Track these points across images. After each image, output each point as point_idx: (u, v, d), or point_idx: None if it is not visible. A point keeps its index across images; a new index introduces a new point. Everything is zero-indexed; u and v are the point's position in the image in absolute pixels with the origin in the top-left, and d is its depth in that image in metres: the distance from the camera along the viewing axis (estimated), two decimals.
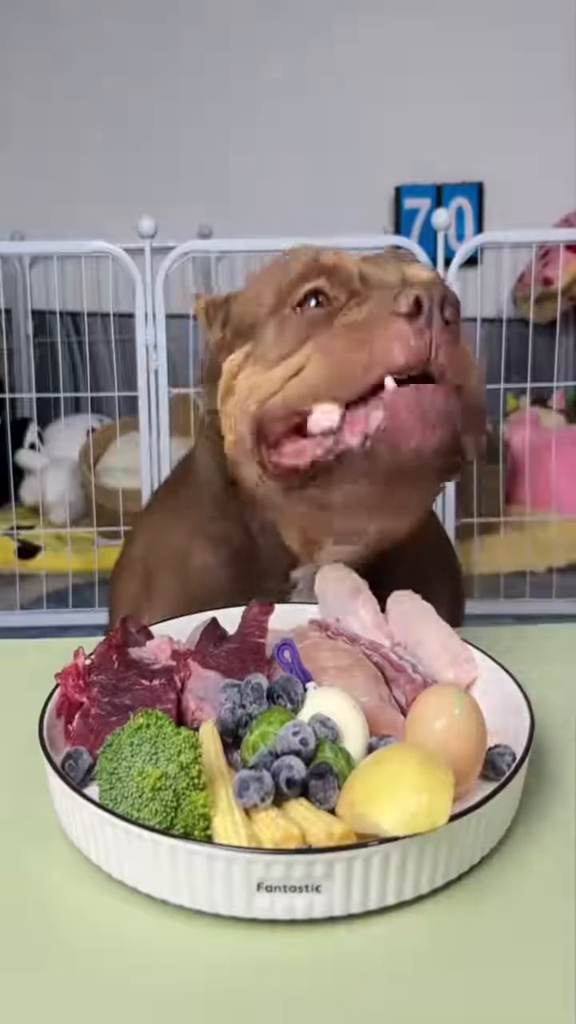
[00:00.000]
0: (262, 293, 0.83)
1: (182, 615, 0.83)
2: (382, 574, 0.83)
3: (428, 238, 2.40)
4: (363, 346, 0.72)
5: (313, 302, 0.78)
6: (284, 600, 0.87)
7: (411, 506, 0.83)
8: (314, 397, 0.74)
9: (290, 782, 0.59)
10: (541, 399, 2.85)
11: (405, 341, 0.70)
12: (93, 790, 0.62)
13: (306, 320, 0.78)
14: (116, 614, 1.01)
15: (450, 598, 0.97)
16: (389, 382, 0.71)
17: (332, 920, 0.56)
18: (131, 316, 2.11)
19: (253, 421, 0.79)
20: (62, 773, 0.62)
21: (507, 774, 0.62)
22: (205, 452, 0.92)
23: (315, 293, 0.79)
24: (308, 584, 0.87)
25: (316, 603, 0.84)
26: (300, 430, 0.76)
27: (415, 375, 0.71)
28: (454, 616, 0.98)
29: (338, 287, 0.78)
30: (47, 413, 2.86)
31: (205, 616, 0.81)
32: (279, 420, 0.77)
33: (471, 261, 2.19)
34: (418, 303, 0.71)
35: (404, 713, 0.69)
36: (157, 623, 0.82)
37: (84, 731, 0.67)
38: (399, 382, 0.71)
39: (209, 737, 0.64)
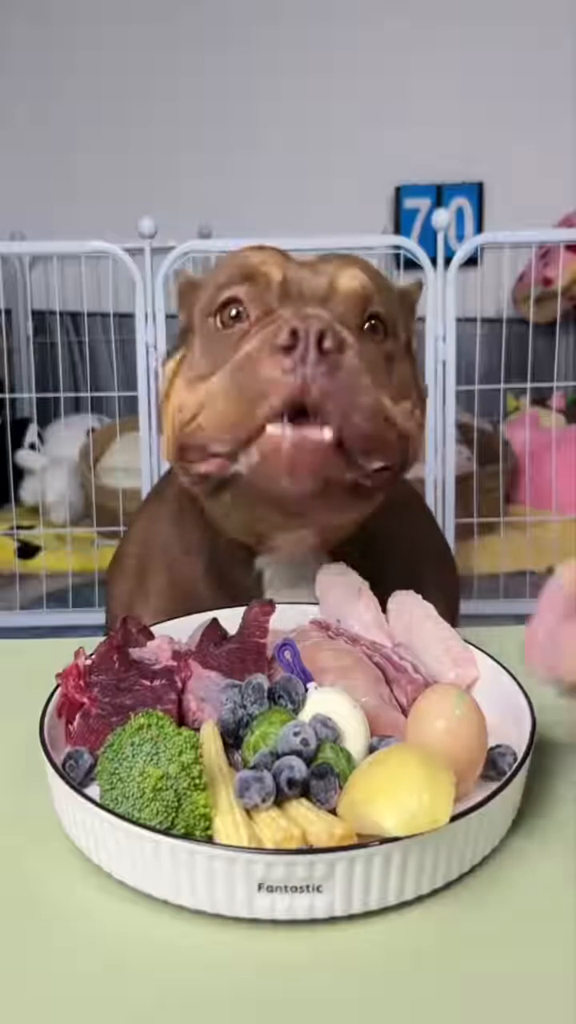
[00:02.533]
0: (199, 295, 0.82)
1: (173, 611, 0.83)
2: (375, 571, 0.83)
3: (428, 238, 2.40)
4: (244, 390, 0.71)
5: (234, 312, 0.77)
6: (258, 595, 0.87)
7: (324, 516, 0.80)
8: (210, 440, 0.74)
9: (291, 782, 0.59)
10: (541, 399, 2.85)
11: (277, 380, 0.69)
12: (94, 790, 0.62)
13: (223, 339, 0.77)
14: (112, 610, 1.02)
15: (445, 594, 0.98)
16: (269, 428, 0.70)
17: (333, 920, 0.56)
18: (131, 316, 2.11)
19: (175, 441, 0.79)
20: (63, 773, 0.62)
21: (508, 774, 0.62)
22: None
23: (232, 302, 0.77)
24: (277, 575, 0.88)
25: (316, 603, 0.84)
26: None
27: (296, 409, 0.70)
28: (450, 611, 0.99)
29: (255, 299, 0.77)
30: (47, 413, 2.86)
31: (205, 616, 0.81)
32: (193, 448, 0.77)
33: (471, 261, 2.19)
34: (294, 335, 0.69)
35: (405, 713, 0.69)
36: (156, 624, 0.82)
37: (85, 731, 0.67)
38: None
39: (210, 737, 0.64)
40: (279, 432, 0.69)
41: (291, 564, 0.87)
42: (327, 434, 0.69)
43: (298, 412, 0.70)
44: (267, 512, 0.78)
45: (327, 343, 0.69)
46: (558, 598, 0.64)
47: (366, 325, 0.78)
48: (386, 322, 0.79)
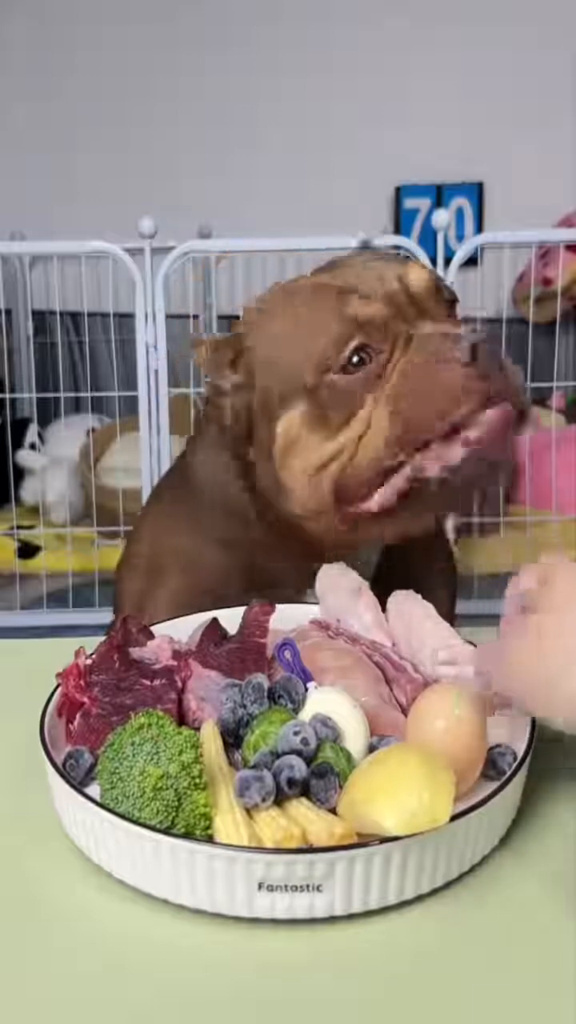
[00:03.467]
0: (299, 356, 0.84)
1: (191, 610, 0.84)
2: (388, 577, 0.84)
3: (428, 238, 2.40)
4: (431, 397, 0.79)
5: (357, 358, 0.82)
6: (302, 599, 0.88)
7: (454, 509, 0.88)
8: (393, 451, 0.80)
9: (291, 782, 0.59)
10: (541, 399, 2.85)
11: (474, 386, 0.78)
12: (94, 790, 0.62)
13: (358, 380, 0.82)
14: (122, 610, 1.02)
15: (447, 580, 1.00)
16: (478, 416, 0.79)
17: (333, 919, 0.56)
18: (131, 316, 2.11)
19: (335, 484, 0.84)
20: (63, 773, 0.62)
21: (508, 774, 0.62)
22: (220, 472, 0.94)
23: (359, 349, 0.82)
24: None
25: (317, 603, 0.84)
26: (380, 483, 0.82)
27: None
28: (452, 599, 1.00)
29: (378, 338, 0.82)
30: (47, 413, 2.85)
31: (206, 616, 0.81)
32: (363, 481, 0.82)
33: (471, 261, 2.19)
34: (474, 349, 0.78)
35: (405, 713, 0.69)
36: (161, 621, 0.82)
37: (85, 731, 0.67)
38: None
39: (210, 737, 0.64)
40: (493, 412, 0.79)
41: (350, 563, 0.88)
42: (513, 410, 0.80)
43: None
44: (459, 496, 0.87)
45: (496, 346, 0.80)
46: (512, 606, 0.65)
47: (449, 309, 0.86)
48: (457, 300, 0.88)
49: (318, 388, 0.83)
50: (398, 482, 0.81)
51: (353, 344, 0.82)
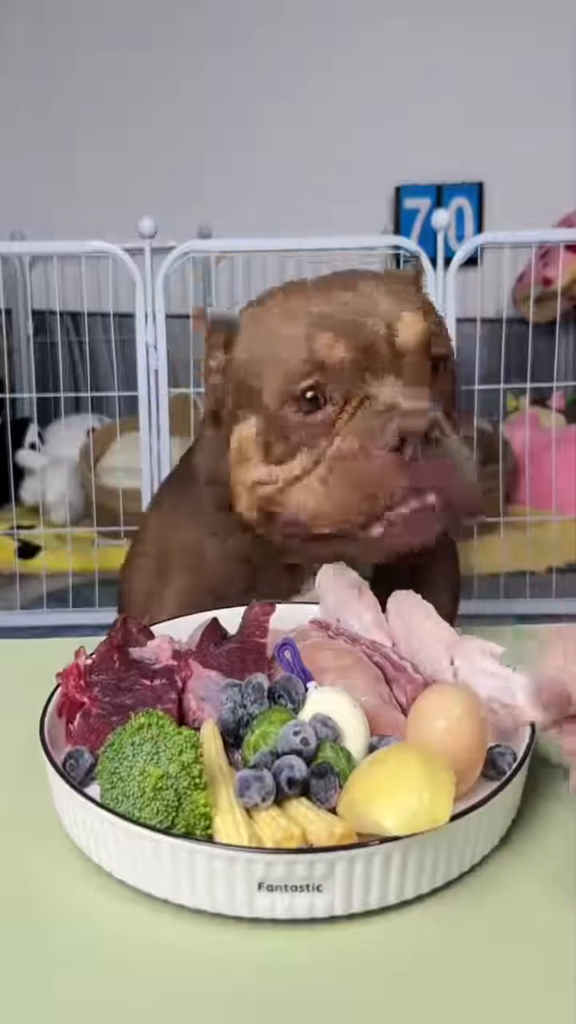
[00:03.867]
0: (264, 373, 0.85)
1: (196, 610, 0.84)
2: (388, 576, 0.84)
3: (428, 238, 2.39)
4: (357, 487, 0.79)
5: (311, 395, 0.82)
6: (298, 594, 0.89)
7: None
8: (317, 525, 0.81)
9: (291, 782, 0.59)
10: (541, 399, 2.85)
11: (392, 478, 0.77)
12: (94, 790, 0.62)
13: (306, 428, 0.82)
14: (127, 610, 1.03)
15: (450, 582, 1.00)
16: (390, 514, 0.78)
17: (333, 919, 0.56)
18: (131, 316, 2.11)
19: (260, 512, 0.86)
20: (63, 773, 0.62)
21: (508, 774, 0.62)
22: (216, 468, 0.94)
23: (312, 388, 0.82)
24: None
25: (317, 603, 0.84)
26: None
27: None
28: (453, 611, 1.00)
29: (334, 384, 0.82)
30: (47, 413, 2.85)
31: (206, 616, 0.81)
32: (288, 523, 0.84)
33: (471, 261, 2.19)
34: (403, 437, 0.77)
35: (405, 713, 0.69)
36: (166, 620, 0.82)
37: (85, 731, 0.67)
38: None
39: (210, 737, 0.64)
40: (398, 513, 0.78)
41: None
42: (435, 502, 0.78)
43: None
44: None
45: (434, 434, 0.77)
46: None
47: (434, 370, 0.84)
48: (447, 356, 0.86)
49: (273, 415, 0.84)
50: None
51: (308, 383, 0.82)
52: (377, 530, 0.79)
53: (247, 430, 0.87)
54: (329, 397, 0.82)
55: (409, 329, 0.83)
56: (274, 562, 0.92)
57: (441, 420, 0.79)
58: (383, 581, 0.83)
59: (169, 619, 0.84)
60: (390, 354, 0.82)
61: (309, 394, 0.82)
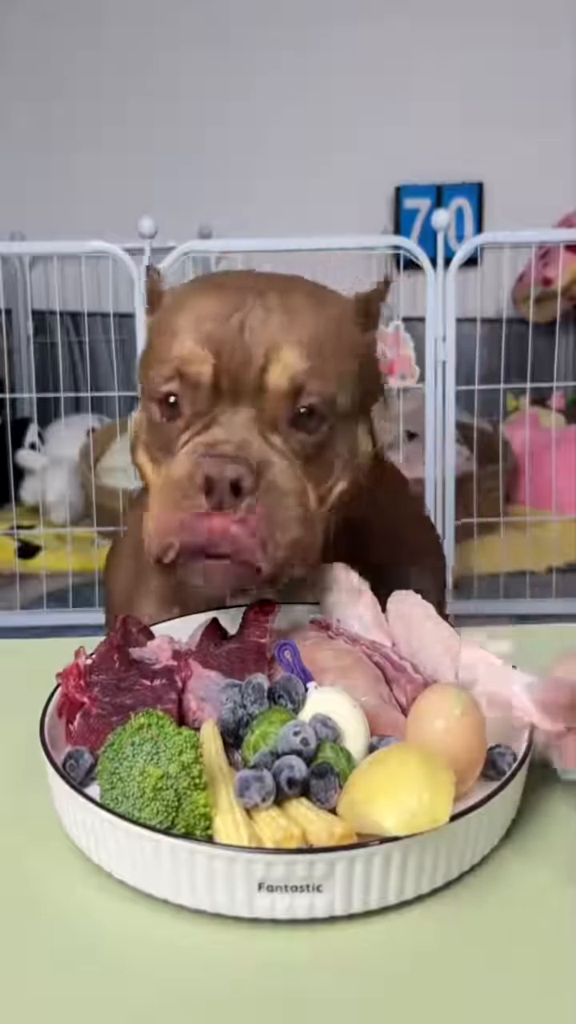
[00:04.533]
0: (150, 357, 0.84)
1: (171, 610, 0.84)
2: (364, 558, 0.84)
3: (428, 238, 2.39)
4: (167, 512, 0.76)
5: (171, 400, 0.80)
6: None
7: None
8: (147, 548, 0.78)
9: (291, 782, 0.59)
10: (541, 399, 2.85)
11: (191, 523, 0.74)
12: (94, 790, 0.62)
13: (163, 431, 0.80)
14: (111, 607, 1.03)
15: (433, 574, 0.99)
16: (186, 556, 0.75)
17: (333, 919, 0.56)
18: (131, 316, 2.11)
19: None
20: (63, 773, 0.62)
21: (508, 774, 0.62)
22: None
23: (170, 395, 0.80)
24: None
25: (317, 603, 0.84)
26: None
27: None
28: (439, 592, 1.00)
29: (188, 398, 0.79)
30: (47, 413, 2.85)
31: (205, 616, 0.81)
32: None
33: (471, 261, 2.19)
34: (209, 481, 0.74)
35: (405, 713, 0.69)
36: (156, 623, 0.82)
37: (85, 731, 0.67)
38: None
39: (210, 737, 0.64)
40: (193, 561, 0.75)
41: None
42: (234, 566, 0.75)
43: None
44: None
45: (245, 483, 0.74)
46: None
47: (298, 415, 0.79)
48: (319, 409, 0.79)
49: (145, 408, 0.83)
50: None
51: (166, 388, 0.80)
52: (181, 571, 0.77)
53: (139, 417, 0.85)
54: (183, 411, 0.79)
55: (281, 367, 0.78)
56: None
57: (265, 466, 0.76)
58: (370, 568, 0.83)
59: (151, 615, 0.84)
60: (255, 386, 0.78)
61: (171, 399, 0.80)
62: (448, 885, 0.59)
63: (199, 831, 0.57)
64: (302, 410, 0.78)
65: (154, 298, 0.90)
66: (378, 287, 0.90)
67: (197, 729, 0.65)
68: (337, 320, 0.83)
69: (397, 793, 0.55)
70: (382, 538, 0.92)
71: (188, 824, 0.57)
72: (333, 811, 0.59)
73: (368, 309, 0.87)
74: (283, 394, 0.78)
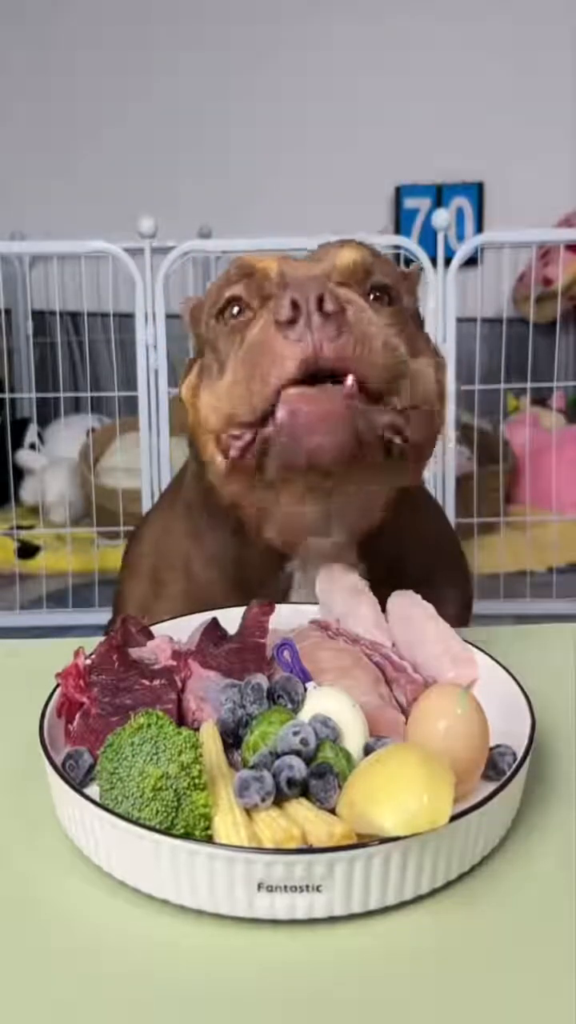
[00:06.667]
0: (205, 306, 0.84)
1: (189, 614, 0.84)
2: (390, 578, 0.84)
3: (428, 238, 2.40)
4: (255, 368, 0.72)
5: (236, 309, 0.79)
6: (286, 598, 0.87)
7: (352, 494, 0.80)
8: (229, 422, 0.75)
9: (291, 782, 0.59)
10: (541, 399, 2.86)
11: (286, 352, 0.70)
12: (94, 790, 0.62)
13: (228, 335, 0.78)
14: (123, 611, 1.02)
15: (457, 598, 0.98)
16: (288, 391, 0.71)
17: (333, 920, 0.56)
18: (131, 316, 2.11)
19: (214, 438, 0.78)
20: (63, 773, 0.62)
21: (508, 774, 0.62)
22: (201, 475, 0.93)
23: (233, 300, 0.79)
24: (306, 579, 0.88)
25: (317, 603, 0.84)
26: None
27: (314, 376, 0.71)
28: (463, 619, 0.98)
29: (253, 293, 0.78)
30: (47, 413, 2.86)
31: (205, 616, 0.81)
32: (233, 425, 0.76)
33: (471, 261, 2.19)
34: (294, 306, 0.70)
35: (404, 713, 0.69)
36: (157, 624, 0.82)
37: (84, 731, 0.67)
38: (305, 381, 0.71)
39: (210, 737, 0.64)
40: (297, 390, 0.70)
41: (320, 567, 0.86)
42: (349, 381, 0.70)
43: (314, 378, 0.70)
44: (304, 480, 0.75)
45: (328, 306, 0.70)
46: None
47: (370, 296, 0.78)
48: (390, 291, 0.80)
49: (208, 335, 0.81)
50: (244, 440, 0.75)
51: (229, 292, 0.79)
52: (280, 414, 0.71)
53: (194, 371, 0.83)
54: (249, 304, 0.78)
55: (346, 253, 0.79)
56: (263, 556, 0.88)
57: (343, 295, 0.73)
58: (385, 585, 0.83)
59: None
60: (323, 270, 0.77)
61: (235, 308, 0.78)
62: (448, 885, 0.59)
63: (199, 831, 0.57)
64: (373, 291, 0.78)
65: (197, 310, 0.89)
66: (414, 266, 0.92)
67: (197, 729, 0.65)
68: (392, 264, 0.85)
69: (397, 793, 0.55)
70: (420, 550, 0.92)
71: (188, 824, 0.57)
72: (333, 811, 0.59)
73: (410, 277, 0.88)
74: (353, 268, 0.77)
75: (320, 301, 0.70)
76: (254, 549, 0.88)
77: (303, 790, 0.60)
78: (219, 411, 0.77)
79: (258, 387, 0.72)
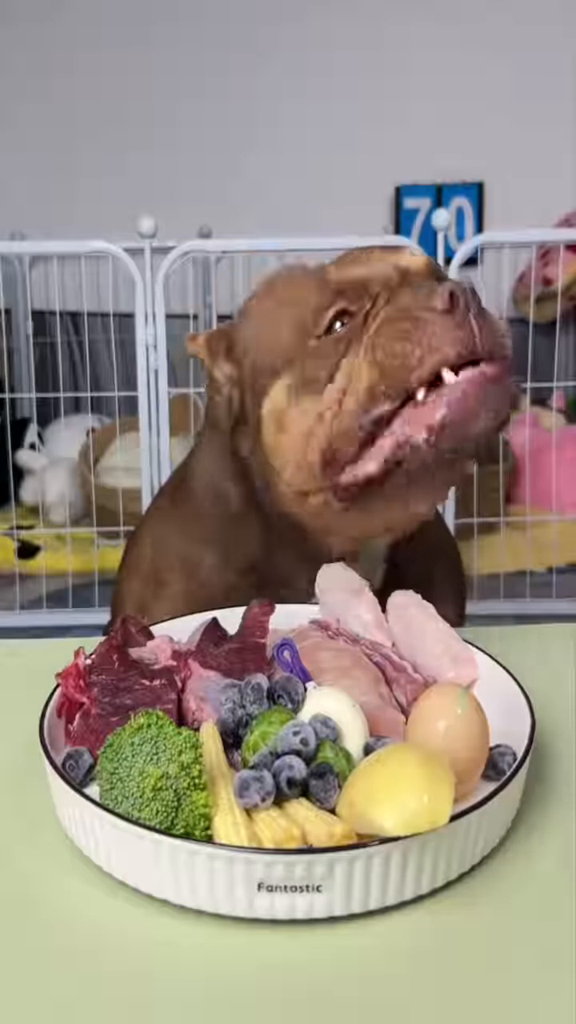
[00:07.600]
0: (281, 330, 0.85)
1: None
2: (392, 579, 0.84)
3: (428, 238, 2.40)
4: (408, 337, 0.76)
5: (339, 324, 0.82)
6: (310, 598, 0.88)
7: (450, 486, 0.86)
8: (372, 398, 0.78)
9: (291, 782, 0.59)
10: (541, 399, 2.85)
11: (452, 334, 0.75)
12: (94, 790, 0.62)
13: (339, 339, 0.81)
14: (121, 610, 1.02)
15: (455, 598, 0.99)
16: (448, 375, 0.75)
17: (333, 920, 0.56)
18: (131, 316, 2.11)
19: (323, 451, 0.81)
20: (63, 773, 0.62)
21: (508, 774, 0.62)
22: (219, 475, 0.93)
23: (340, 315, 0.82)
24: None
25: (317, 603, 0.84)
26: (371, 442, 0.79)
27: (463, 363, 0.76)
28: (458, 616, 0.99)
29: (356, 301, 0.81)
30: (47, 413, 2.86)
31: (206, 616, 0.81)
32: (350, 438, 0.79)
33: (471, 261, 2.19)
34: (453, 298, 0.75)
35: (404, 713, 0.69)
36: (157, 624, 0.82)
37: (85, 731, 0.67)
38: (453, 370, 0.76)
39: (210, 737, 0.64)
40: (467, 374, 0.75)
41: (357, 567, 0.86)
42: (502, 365, 0.77)
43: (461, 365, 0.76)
44: (432, 480, 0.81)
45: (476, 300, 0.76)
46: None
47: None
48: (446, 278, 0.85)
49: (300, 356, 0.83)
50: (385, 445, 0.78)
51: (333, 311, 0.82)
52: (432, 397, 0.76)
53: (278, 392, 0.84)
54: (356, 312, 0.81)
55: (411, 259, 0.84)
56: (288, 571, 0.89)
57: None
58: (386, 587, 0.83)
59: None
60: (399, 277, 0.82)
61: (338, 324, 0.82)
62: (448, 885, 0.59)
63: (199, 831, 0.57)
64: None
65: (218, 335, 0.90)
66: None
67: (197, 729, 0.65)
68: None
69: (397, 793, 0.55)
70: (421, 549, 0.92)
71: (188, 824, 0.57)
72: (333, 811, 0.59)
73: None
74: (426, 270, 0.84)
75: (475, 293, 0.76)
76: (287, 552, 0.90)
77: (303, 790, 0.60)
78: (323, 427, 0.80)
79: (412, 357, 0.76)
